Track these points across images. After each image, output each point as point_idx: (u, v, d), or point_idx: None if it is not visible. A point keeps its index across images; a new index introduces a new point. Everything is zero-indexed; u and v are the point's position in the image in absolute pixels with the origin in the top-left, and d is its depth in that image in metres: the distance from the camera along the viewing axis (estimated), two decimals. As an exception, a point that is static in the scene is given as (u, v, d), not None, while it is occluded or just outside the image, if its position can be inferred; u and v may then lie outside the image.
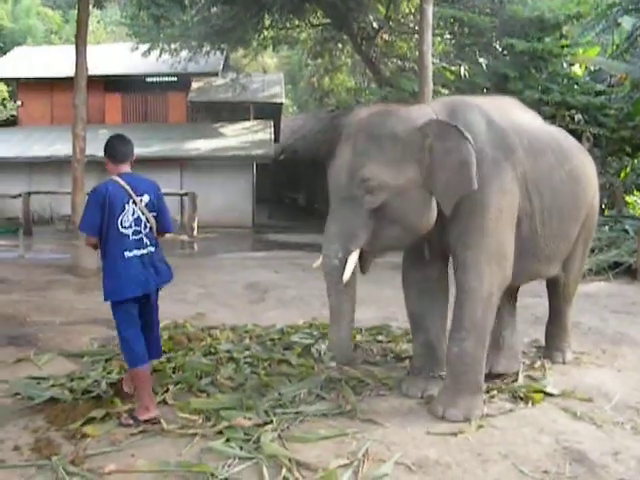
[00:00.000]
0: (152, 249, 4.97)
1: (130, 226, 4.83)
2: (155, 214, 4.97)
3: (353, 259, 4.72)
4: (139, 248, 4.88)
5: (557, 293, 6.36)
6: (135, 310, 4.91)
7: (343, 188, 4.75)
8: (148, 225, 4.93)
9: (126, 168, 5.00)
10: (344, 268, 4.68)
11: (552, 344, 6.47)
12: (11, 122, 27.89)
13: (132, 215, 4.84)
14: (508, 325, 6.00)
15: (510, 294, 5.89)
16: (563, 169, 5.52)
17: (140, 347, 4.90)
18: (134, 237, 4.85)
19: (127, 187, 4.83)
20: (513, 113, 5.55)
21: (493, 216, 4.93)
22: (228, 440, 4.35)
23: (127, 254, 4.81)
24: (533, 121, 5.79)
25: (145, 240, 4.92)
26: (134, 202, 4.84)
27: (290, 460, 4.04)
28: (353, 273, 4.76)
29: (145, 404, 4.79)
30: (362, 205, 4.68)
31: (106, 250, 4.87)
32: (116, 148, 5.04)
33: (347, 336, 4.91)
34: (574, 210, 5.71)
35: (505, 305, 5.78)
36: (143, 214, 4.89)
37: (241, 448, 4.25)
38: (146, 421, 4.70)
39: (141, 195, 4.90)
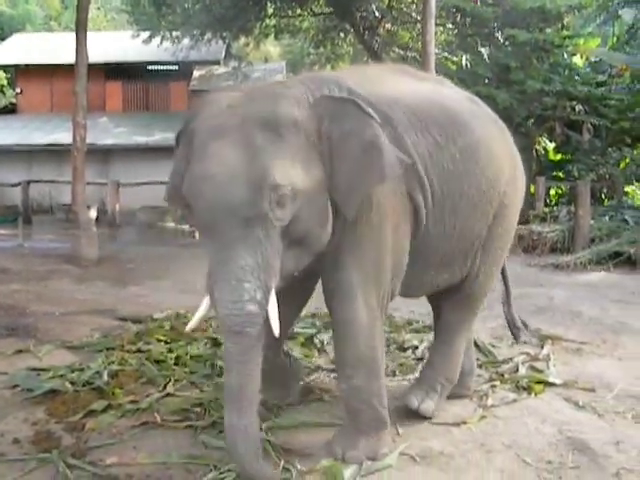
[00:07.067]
0: None
1: None
2: None
3: (274, 301, 3.37)
4: None
5: (454, 306, 4.77)
6: None
7: (245, 205, 3.24)
8: None
9: None
10: (264, 316, 3.32)
11: (422, 377, 4.86)
12: (10, 110, 27.98)
13: None
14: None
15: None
16: (455, 146, 4.19)
17: None
18: None
19: None
20: (385, 82, 4.29)
21: (376, 221, 3.83)
22: (221, 432, 4.14)
23: None
24: (415, 89, 4.37)
25: None
26: None
27: (289, 450, 4.02)
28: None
29: None
30: (272, 223, 3.31)
31: None
32: None
33: (255, 437, 3.42)
34: (476, 199, 4.30)
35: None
36: None
37: None
38: None
39: None
